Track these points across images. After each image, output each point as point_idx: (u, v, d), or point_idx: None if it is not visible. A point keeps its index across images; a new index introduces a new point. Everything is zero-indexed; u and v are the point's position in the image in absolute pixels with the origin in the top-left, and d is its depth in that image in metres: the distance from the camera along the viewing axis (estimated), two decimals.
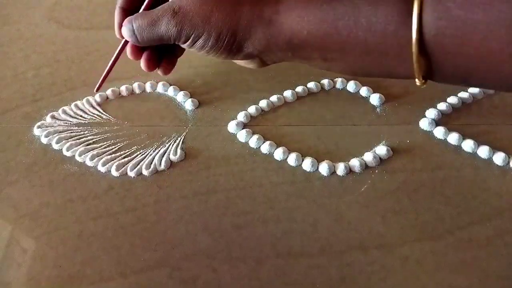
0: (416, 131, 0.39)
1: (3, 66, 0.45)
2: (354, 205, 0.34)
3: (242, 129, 0.39)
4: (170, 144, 0.38)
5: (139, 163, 0.37)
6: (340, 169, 0.36)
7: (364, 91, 0.41)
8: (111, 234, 0.33)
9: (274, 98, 0.41)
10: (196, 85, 0.43)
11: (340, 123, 0.39)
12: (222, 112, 0.40)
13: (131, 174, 0.36)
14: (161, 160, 0.37)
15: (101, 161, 0.37)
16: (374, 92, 0.41)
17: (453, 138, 0.38)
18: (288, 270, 0.32)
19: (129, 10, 0.34)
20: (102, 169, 0.37)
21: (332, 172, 0.36)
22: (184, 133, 0.39)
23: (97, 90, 0.37)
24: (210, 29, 0.30)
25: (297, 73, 0.43)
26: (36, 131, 0.39)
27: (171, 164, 0.37)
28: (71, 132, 0.39)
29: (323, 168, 0.36)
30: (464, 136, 0.38)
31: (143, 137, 0.39)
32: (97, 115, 0.41)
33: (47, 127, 0.40)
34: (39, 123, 0.40)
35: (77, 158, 0.37)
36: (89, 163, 0.37)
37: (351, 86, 0.42)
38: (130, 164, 0.37)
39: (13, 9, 0.50)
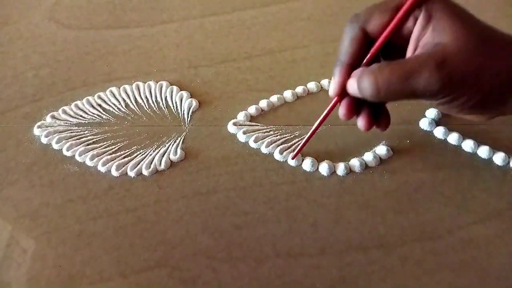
0: (416, 131, 0.39)
1: (3, 66, 0.45)
2: (354, 205, 0.34)
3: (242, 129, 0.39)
4: (170, 144, 0.38)
5: (139, 163, 0.37)
6: (340, 169, 0.36)
7: None
8: (111, 234, 0.33)
9: (274, 98, 0.41)
10: (196, 85, 0.43)
11: (340, 123, 0.39)
12: (222, 112, 0.40)
13: (131, 174, 0.36)
14: (161, 160, 0.37)
15: (101, 161, 0.37)
16: None
17: (453, 138, 0.38)
18: (288, 270, 0.32)
19: (354, 66, 0.29)
20: (102, 169, 0.37)
21: (332, 172, 0.36)
22: (184, 133, 0.39)
23: (294, 157, 0.36)
24: (479, 87, 0.26)
25: (297, 73, 0.43)
26: (36, 131, 0.39)
27: (171, 164, 0.37)
28: (71, 132, 0.39)
29: (323, 168, 0.36)
30: (464, 136, 0.38)
31: (143, 137, 0.39)
32: (97, 115, 0.41)
33: (47, 127, 0.40)
34: (39, 123, 0.40)
35: (77, 158, 0.37)
36: (89, 163, 0.37)
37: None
38: (130, 164, 0.37)
39: (13, 9, 0.50)
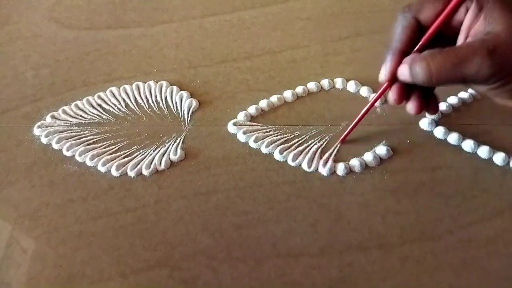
0: (416, 131, 0.39)
1: (3, 66, 0.45)
2: (354, 205, 0.34)
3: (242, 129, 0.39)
4: (170, 144, 0.38)
5: (139, 163, 0.37)
6: (340, 169, 0.36)
7: (364, 91, 0.41)
8: (111, 234, 0.33)
9: (274, 98, 0.41)
10: (196, 85, 0.43)
11: (340, 123, 0.39)
12: (222, 112, 0.40)
13: (131, 174, 0.36)
14: (161, 160, 0.37)
15: (101, 161, 0.37)
16: (374, 92, 0.41)
17: (453, 138, 0.38)
18: (288, 270, 0.32)
19: (406, 53, 0.30)
20: (102, 169, 0.37)
21: (332, 172, 0.36)
22: (184, 133, 0.39)
23: (343, 141, 0.38)
24: None
25: (297, 73, 0.43)
26: (36, 131, 0.39)
27: (171, 164, 0.37)
28: (71, 132, 0.39)
29: (323, 168, 0.36)
30: (464, 136, 0.38)
31: (143, 137, 0.39)
32: (97, 115, 0.41)
33: (47, 127, 0.40)
34: (39, 123, 0.40)
35: (77, 158, 0.37)
36: (89, 163, 0.37)
37: (351, 86, 0.42)
38: (130, 164, 0.37)
39: (13, 9, 0.50)
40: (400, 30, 0.30)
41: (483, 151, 0.37)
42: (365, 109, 0.35)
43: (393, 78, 0.30)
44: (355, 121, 0.36)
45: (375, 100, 0.34)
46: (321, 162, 0.37)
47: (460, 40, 0.29)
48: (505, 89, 0.28)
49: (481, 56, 0.26)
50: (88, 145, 0.38)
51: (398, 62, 0.30)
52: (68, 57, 0.45)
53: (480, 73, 0.27)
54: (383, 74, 0.31)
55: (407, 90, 0.31)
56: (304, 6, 0.49)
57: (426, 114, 0.39)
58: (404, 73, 0.29)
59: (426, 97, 0.32)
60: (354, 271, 0.31)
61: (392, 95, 0.31)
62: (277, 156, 0.37)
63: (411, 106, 0.31)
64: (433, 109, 0.32)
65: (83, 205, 0.35)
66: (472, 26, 0.28)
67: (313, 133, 0.39)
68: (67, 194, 0.35)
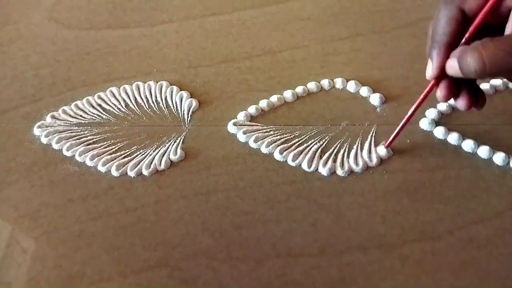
0: (416, 131, 0.39)
1: (3, 66, 0.45)
2: (354, 205, 0.34)
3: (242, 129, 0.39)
4: (170, 144, 0.38)
5: (139, 163, 0.37)
6: (340, 169, 0.36)
7: (364, 91, 0.41)
8: (111, 234, 0.33)
9: (274, 98, 0.41)
10: (196, 85, 0.43)
11: (340, 123, 0.39)
12: (222, 112, 0.40)
13: (131, 174, 0.36)
14: (161, 160, 0.37)
15: (101, 161, 0.37)
16: (374, 92, 0.41)
17: (453, 138, 0.38)
18: (288, 270, 0.32)
19: (453, 46, 0.29)
20: (102, 169, 0.37)
21: (332, 172, 0.36)
22: (184, 133, 0.39)
23: (389, 145, 0.37)
24: None
25: (297, 73, 0.43)
26: (36, 131, 0.39)
27: (171, 164, 0.37)
28: (71, 132, 0.39)
29: (323, 168, 0.36)
30: (464, 136, 0.38)
31: (143, 137, 0.39)
32: (97, 115, 0.41)
33: (47, 127, 0.40)
34: (39, 123, 0.40)
35: (77, 158, 0.37)
36: (89, 163, 0.37)
37: (351, 86, 0.42)
38: (130, 164, 0.37)
39: (13, 9, 0.50)
40: (444, 23, 0.28)
41: (483, 151, 0.37)
42: (412, 109, 0.33)
43: (442, 74, 0.29)
44: (402, 123, 0.35)
45: (423, 99, 0.32)
46: (321, 162, 0.37)
47: (509, 28, 0.28)
48: None
49: None
50: (88, 145, 0.38)
51: (446, 57, 0.29)
52: (68, 57, 0.45)
53: None
54: (430, 71, 0.30)
55: (455, 86, 0.30)
56: (304, 6, 0.49)
57: (426, 114, 0.39)
58: (454, 66, 0.28)
59: (474, 92, 0.31)
60: (354, 271, 0.31)
61: (441, 91, 0.30)
62: (277, 156, 0.37)
63: (462, 103, 0.31)
64: (482, 103, 0.31)
65: (83, 205, 0.35)
66: None
67: (313, 133, 0.39)
68: (67, 194, 0.35)
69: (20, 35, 0.48)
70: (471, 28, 0.28)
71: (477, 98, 0.31)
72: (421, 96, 0.32)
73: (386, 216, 0.34)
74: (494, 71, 0.27)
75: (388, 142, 0.36)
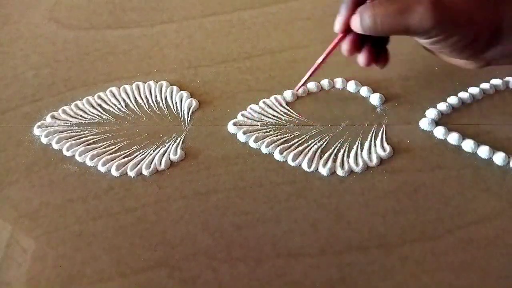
0: (416, 131, 0.39)
1: (3, 66, 0.45)
2: (354, 205, 0.34)
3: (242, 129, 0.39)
4: (170, 144, 0.38)
5: (139, 163, 0.37)
6: (340, 169, 0.36)
7: (364, 91, 0.41)
8: (111, 234, 0.33)
9: (274, 98, 0.41)
10: (196, 85, 0.43)
11: (340, 123, 0.39)
12: (222, 112, 0.40)
13: (131, 174, 0.36)
14: (161, 160, 0.37)
15: (101, 161, 0.37)
16: (374, 92, 0.41)
17: (453, 138, 0.38)
18: (288, 270, 0.32)
19: (360, 3, 0.31)
20: (102, 169, 0.37)
21: (332, 172, 0.36)
22: (184, 133, 0.39)
23: (298, 89, 0.38)
24: (470, 28, 0.28)
25: (297, 73, 0.43)
26: (36, 131, 0.39)
27: (171, 164, 0.37)
28: (71, 132, 0.39)
29: (323, 168, 0.36)
30: (464, 136, 0.38)
31: (143, 137, 0.39)
32: (97, 115, 0.41)
33: (47, 127, 0.40)
34: (39, 123, 0.40)
35: (77, 158, 0.37)
36: (89, 163, 0.37)
37: (351, 86, 0.42)
38: (130, 164, 0.37)
39: (13, 9, 0.50)
40: None
41: (483, 151, 0.37)
42: (319, 59, 0.34)
43: (347, 29, 0.31)
44: (311, 70, 0.35)
45: (329, 53, 0.33)
46: (321, 162, 0.37)
47: None
48: (447, 44, 0.29)
49: (425, 6, 0.27)
50: (88, 145, 0.38)
51: (352, 12, 0.30)
52: (68, 57, 0.45)
53: (422, 23, 0.27)
54: (337, 25, 0.31)
55: (361, 42, 0.31)
56: (304, 6, 0.49)
57: (426, 114, 0.39)
58: (355, 22, 0.30)
59: (378, 50, 0.32)
60: (354, 271, 0.31)
61: (344, 45, 0.31)
62: (277, 156, 0.37)
63: (361, 59, 0.32)
64: (383, 62, 0.33)
65: (83, 205, 0.35)
66: None
67: (313, 133, 0.39)
68: (67, 194, 0.35)
69: (20, 35, 0.48)
70: None
71: (378, 56, 0.32)
72: (329, 47, 0.33)
73: (386, 216, 0.34)
74: (385, 29, 0.29)
75: (297, 87, 0.37)
